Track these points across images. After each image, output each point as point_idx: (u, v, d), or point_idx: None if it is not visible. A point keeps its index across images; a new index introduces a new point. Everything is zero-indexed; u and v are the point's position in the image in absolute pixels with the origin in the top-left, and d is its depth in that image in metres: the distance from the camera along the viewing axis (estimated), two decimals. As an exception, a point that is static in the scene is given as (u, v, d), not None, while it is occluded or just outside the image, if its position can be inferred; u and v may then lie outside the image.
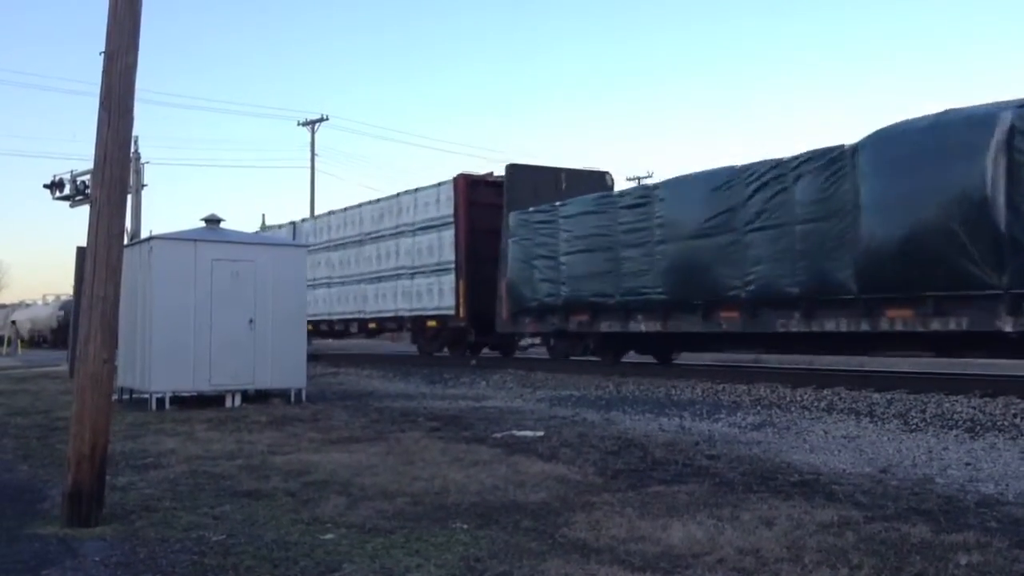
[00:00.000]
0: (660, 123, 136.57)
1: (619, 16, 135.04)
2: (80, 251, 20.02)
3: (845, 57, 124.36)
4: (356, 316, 27.87)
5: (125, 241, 7.47)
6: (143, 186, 26.27)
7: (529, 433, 10.31)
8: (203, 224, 15.36)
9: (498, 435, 10.21)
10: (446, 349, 25.58)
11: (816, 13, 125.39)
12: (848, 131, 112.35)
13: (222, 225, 15.46)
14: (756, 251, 14.67)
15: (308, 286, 24.38)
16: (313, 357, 25.98)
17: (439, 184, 23.78)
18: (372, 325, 27.75)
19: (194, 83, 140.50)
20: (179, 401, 13.91)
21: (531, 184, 22.26)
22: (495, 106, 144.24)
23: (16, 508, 6.68)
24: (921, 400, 11.89)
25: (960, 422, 10.37)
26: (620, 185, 25.02)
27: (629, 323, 17.68)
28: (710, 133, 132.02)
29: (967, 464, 7.91)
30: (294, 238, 29.98)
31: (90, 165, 6.96)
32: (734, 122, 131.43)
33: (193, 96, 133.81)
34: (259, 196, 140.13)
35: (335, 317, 28.79)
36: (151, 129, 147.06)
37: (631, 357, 20.35)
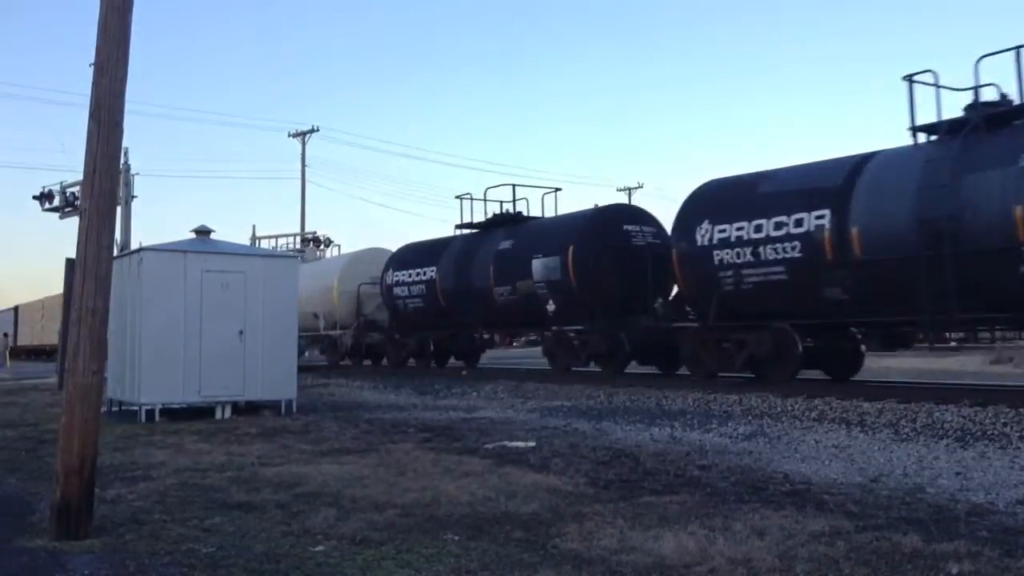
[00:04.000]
0: (654, 134, 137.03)
1: (618, 27, 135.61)
2: (69, 263, 19.95)
3: (842, 71, 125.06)
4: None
5: (115, 253, 7.45)
6: (133, 197, 26.10)
7: (520, 444, 10.30)
8: (193, 235, 15.33)
9: (489, 446, 10.19)
10: None
11: (810, 29, 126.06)
12: (843, 143, 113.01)
13: (212, 236, 15.44)
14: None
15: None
16: (308, 368, 25.47)
17: None
18: None
19: (184, 94, 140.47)
20: (169, 413, 13.84)
21: None
22: (490, 118, 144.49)
23: (4, 521, 6.63)
24: (911, 409, 11.91)
25: (950, 431, 10.39)
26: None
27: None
28: (702, 145, 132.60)
29: (957, 473, 7.93)
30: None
31: (79, 176, 6.95)
32: (726, 135, 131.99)
33: (183, 107, 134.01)
34: (250, 207, 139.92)
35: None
36: (141, 140, 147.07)
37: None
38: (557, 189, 24.04)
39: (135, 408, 14.02)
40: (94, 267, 6.18)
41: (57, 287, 28.44)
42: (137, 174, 26.67)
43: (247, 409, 14.42)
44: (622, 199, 59.51)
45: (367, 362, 29.01)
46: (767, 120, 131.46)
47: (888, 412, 11.95)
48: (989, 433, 10.13)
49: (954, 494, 7.01)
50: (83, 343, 6.09)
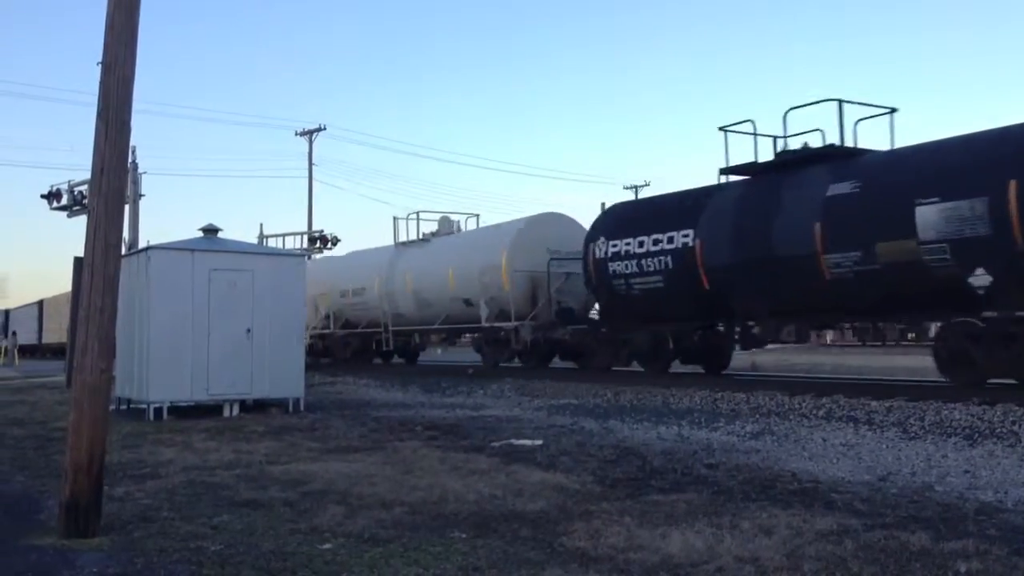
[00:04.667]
0: (659, 132, 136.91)
1: (622, 25, 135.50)
2: (77, 261, 20.01)
3: (846, 68, 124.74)
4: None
5: (122, 251, 7.47)
6: (140, 196, 26.13)
7: (527, 442, 10.29)
8: (201, 234, 15.37)
9: (496, 444, 10.19)
10: None
11: (816, 24, 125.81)
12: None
13: (220, 235, 15.47)
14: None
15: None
16: (314, 366, 24.23)
17: None
18: None
19: (192, 93, 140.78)
20: (177, 411, 13.88)
21: None
22: (499, 117, 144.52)
23: (13, 519, 6.66)
24: (920, 408, 11.88)
25: (959, 430, 10.36)
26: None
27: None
28: (707, 143, 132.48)
29: (966, 472, 7.90)
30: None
31: (88, 175, 6.96)
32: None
33: (191, 106, 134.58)
34: (257, 206, 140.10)
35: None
36: (149, 139, 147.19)
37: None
38: (893, 110, 15.44)
39: (143, 406, 14.06)
40: (102, 265, 6.20)
41: (66, 285, 28.38)
42: (145, 173, 26.71)
43: (255, 407, 14.45)
44: (629, 196, 59.45)
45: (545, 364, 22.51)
46: (770, 119, 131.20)
47: (896, 410, 11.92)
48: (998, 431, 10.10)
49: (963, 492, 6.99)
50: (91, 341, 6.10)
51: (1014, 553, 5.05)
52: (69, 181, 26.80)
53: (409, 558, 5.22)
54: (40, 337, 54.62)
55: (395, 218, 28.07)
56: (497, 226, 24.72)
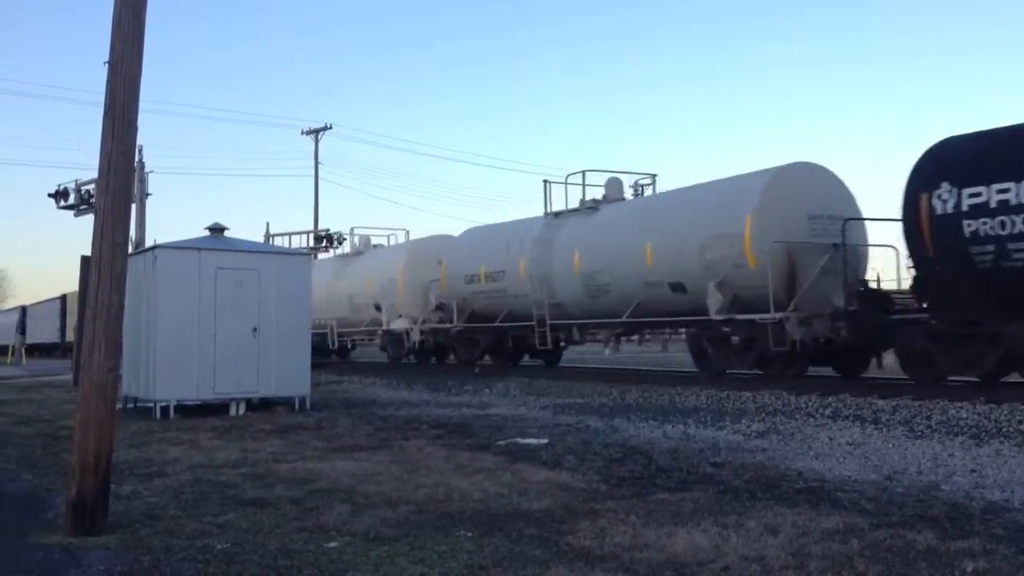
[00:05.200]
0: (663, 129, 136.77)
1: (622, 24, 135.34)
2: (84, 260, 20.06)
3: (848, 64, 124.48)
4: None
5: (129, 250, 7.49)
6: (147, 195, 26.20)
7: (533, 441, 10.30)
8: (207, 233, 15.40)
9: (502, 443, 10.19)
10: None
11: (820, 19, 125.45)
12: (846, 139, 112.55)
13: (226, 234, 15.50)
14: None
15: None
16: (321, 365, 22.88)
17: None
18: None
19: (198, 92, 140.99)
20: (183, 410, 13.91)
21: None
22: (500, 113, 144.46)
23: (20, 517, 6.68)
24: (926, 407, 11.85)
25: (965, 429, 10.33)
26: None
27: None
28: (712, 140, 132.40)
29: (972, 471, 7.89)
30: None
31: (95, 174, 6.99)
32: (737, 128, 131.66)
33: (197, 105, 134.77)
34: (263, 205, 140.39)
35: None
36: (155, 138, 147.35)
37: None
38: None
39: (150, 405, 14.10)
40: (109, 264, 6.21)
41: (72, 284, 28.30)
42: (152, 172, 26.80)
43: (261, 406, 14.48)
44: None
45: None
46: (777, 114, 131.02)
47: (902, 409, 11.89)
48: (1004, 430, 10.07)
49: (969, 491, 6.98)
50: (98, 339, 6.12)
51: (1021, 552, 5.04)
52: (76, 180, 26.87)
53: (415, 556, 5.23)
54: (63, 335, 49.67)
55: (546, 182, 21.53)
56: (723, 183, 17.96)
